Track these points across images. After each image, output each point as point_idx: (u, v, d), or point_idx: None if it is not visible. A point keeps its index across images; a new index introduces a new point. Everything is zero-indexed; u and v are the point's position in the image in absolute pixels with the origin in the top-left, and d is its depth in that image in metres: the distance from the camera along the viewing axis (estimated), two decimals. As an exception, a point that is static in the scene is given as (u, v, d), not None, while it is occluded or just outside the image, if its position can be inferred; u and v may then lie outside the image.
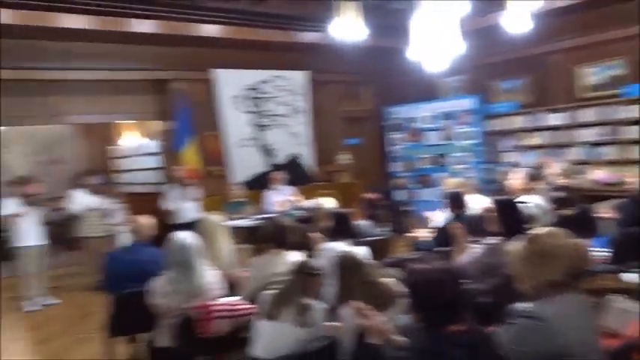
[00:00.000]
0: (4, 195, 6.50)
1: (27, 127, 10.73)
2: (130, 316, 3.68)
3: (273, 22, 7.88)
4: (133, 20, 6.65)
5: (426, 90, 9.23)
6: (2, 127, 10.24)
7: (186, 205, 6.90)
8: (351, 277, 2.62)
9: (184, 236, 3.17)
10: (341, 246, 3.40)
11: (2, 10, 5.79)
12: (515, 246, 2.08)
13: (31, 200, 6.21)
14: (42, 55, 6.71)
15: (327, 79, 9.24)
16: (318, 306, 2.55)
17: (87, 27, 6.34)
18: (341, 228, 3.59)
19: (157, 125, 8.50)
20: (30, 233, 6.16)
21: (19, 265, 6.17)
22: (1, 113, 6.78)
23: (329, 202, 4.63)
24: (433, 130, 9.10)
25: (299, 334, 2.46)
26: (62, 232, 7.97)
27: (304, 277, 2.58)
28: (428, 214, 5.12)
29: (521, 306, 2.00)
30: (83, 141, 11.67)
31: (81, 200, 6.73)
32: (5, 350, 4.99)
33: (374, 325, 1.95)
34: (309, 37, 8.19)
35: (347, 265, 2.65)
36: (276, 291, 2.65)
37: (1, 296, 6.81)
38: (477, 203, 4.60)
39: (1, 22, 5.81)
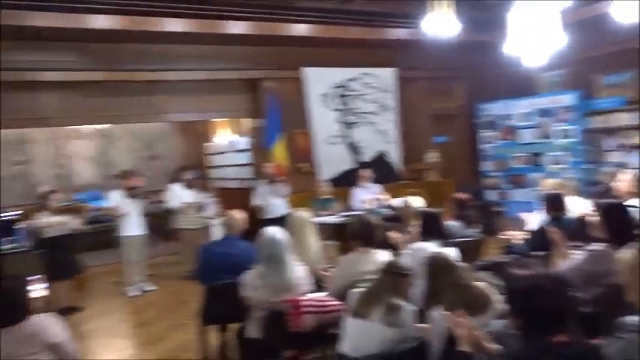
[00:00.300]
0: (110, 188, 7.04)
1: (130, 125, 11.55)
2: (221, 306, 3.82)
3: (363, 19, 7.87)
4: (228, 22, 6.90)
5: (521, 85, 8.79)
6: (108, 125, 11.12)
7: (274, 201, 7.06)
8: (442, 279, 2.54)
9: (275, 231, 3.24)
10: (430, 246, 3.32)
11: (109, 16, 6.24)
12: (625, 254, 1.92)
13: (133, 193, 6.64)
14: (145, 57, 7.15)
15: (415, 76, 9.08)
16: (407, 307, 2.51)
17: (186, 30, 6.67)
18: (431, 228, 3.51)
19: (249, 123, 8.77)
20: (132, 224, 6.59)
21: (122, 252, 6.62)
22: (108, 112, 7.32)
23: (417, 201, 4.55)
24: (528, 127, 8.66)
25: (387, 334, 2.43)
26: (160, 223, 8.48)
27: (394, 277, 2.54)
28: (523, 215, 4.88)
29: (630, 319, 1.84)
30: (180, 138, 12.34)
31: (178, 194, 7.09)
32: (111, 330, 5.38)
33: (465, 333, 1.86)
34: (398, 33, 8.08)
35: (437, 266, 2.58)
36: (365, 289, 2.64)
37: (107, 280, 7.40)
38: (577, 206, 4.33)
39: (109, 28, 6.26)
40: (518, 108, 8.76)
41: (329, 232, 5.68)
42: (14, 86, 6.66)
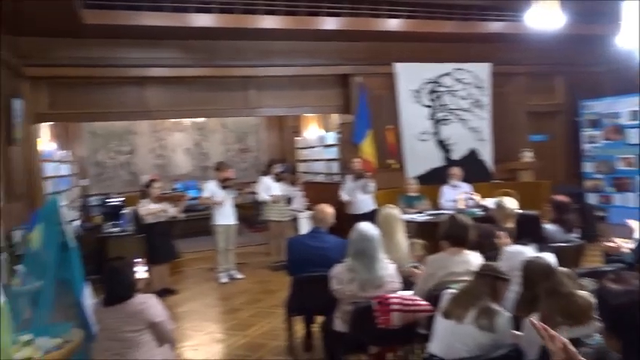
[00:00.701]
0: (205, 178, 7.41)
1: (224, 119, 12.05)
2: (308, 298, 3.89)
3: (457, 13, 7.64)
4: (322, 18, 6.98)
5: (631, 82, 8.14)
6: (204, 118, 11.67)
7: (361, 197, 7.08)
8: (540, 286, 2.41)
9: (368, 228, 3.24)
10: (527, 250, 3.17)
11: (210, 15, 6.52)
12: None
13: (226, 184, 6.91)
14: (241, 53, 7.39)
15: (511, 71, 8.68)
16: (503, 312, 2.41)
17: (281, 27, 6.83)
18: (528, 231, 3.34)
19: (338, 118, 8.83)
20: (225, 213, 6.87)
21: (215, 240, 6.92)
22: (205, 106, 7.66)
23: (510, 202, 4.35)
24: (637, 127, 8.01)
25: (481, 338, 2.35)
26: (250, 214, 8.78)
27: (491, 280, 2.45)
28: (630, 222, 4.52)
29: None
30: (270, 132, 12.69)
31: (267, 186, 7.29)
32: (202, 314, 5.65)
33: (559, 347, 1.71)
34: (494, 27, 7.78)
35: (536, 271, 2.45)
36: (459, 291, 2.57)
37: (200, 267, 7.79)
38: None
39: (209, 26, 6.54)
40: (626, 106, 8.12)
41: (416, 230, 5.61)
42: (123, 82, 7.17)
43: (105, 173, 11.46)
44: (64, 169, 9.02)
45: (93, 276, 6.26)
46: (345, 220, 6.17)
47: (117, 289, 3.06)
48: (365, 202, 7.05)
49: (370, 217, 6.48)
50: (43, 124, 7.31)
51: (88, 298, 3.75)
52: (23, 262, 3.71)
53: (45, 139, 7.99)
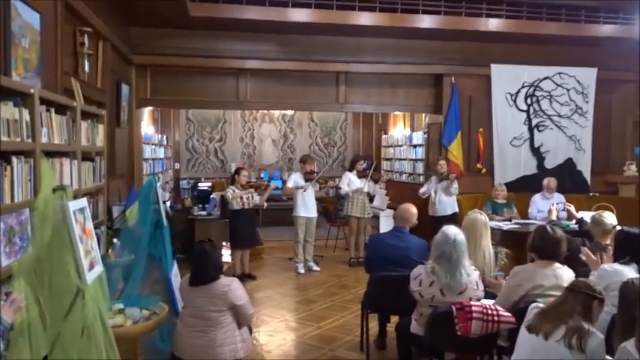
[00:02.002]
0: (289, 170, 7.57)
1: (311, 113, 12.24)
2: (386, 296, 3.85)
3: (563, 14, 7.22)
4: (418, 16, 6.86)
5: None
6: (292, 111, 11.91)
7: (444, 199, 6.93)
8: (639, 310, 2.22)
9: (454, 231, 3.15)
10: (626, 270, 2.94)
11: (306, 9, 6.61)
12: None
13: (310, 177, 7.00)
14: (334, 49, 7.44)
15: (618, 78, 8.08)
16: (597, 333, 2.25)
17: (376, 23, 6.79)
18: (628, 249, 3.10)
19: (426, 118, 8.66)
20: (306, 206, 6.97)
21: (295, 231, 7.04)
22: (295, 99, 7.80)
23: (610, 217, 4.05)
24: None
25: (568, 358, 2.21)
26: (332, 208, 8.85)
27: (585, 298, 2.29)
28: None
29: None
30: (357, 128, 12.71)
31: (351, 182, 7.30)
32: (278, 303, 5.77)
33: None
34: (602, 30, 7.26)
35: (636, 294, 2.26)
36: (548, 306, 2.43)
37: (279, 256, 7.97)
38: None
39: (305, 21, 6.64)
40: None
41: (501, 238, 5.40)
42: (221, 72, 7.47)
43: (196, 159, 12.04)
44: (161, 152, 9.60)
45: (180, 255, 6.64)
46: (426, 221, 6.07)
47: (205, 270, 3.18)
48: (447, 204, 6.92)
49: (451, 220, 6.40)
50: (144, 108, 7.77)
51: (176, 275, 3.94)
52: (120, 236, 3.95)
53: (145, 123, 8.51)
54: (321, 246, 8.29)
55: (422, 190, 7.22)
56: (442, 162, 7.16)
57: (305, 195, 6.93)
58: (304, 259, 7.10)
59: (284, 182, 9.98)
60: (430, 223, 6.33)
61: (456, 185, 6.87)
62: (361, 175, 7.37)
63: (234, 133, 12.25)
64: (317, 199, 7.29)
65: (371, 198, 7.89)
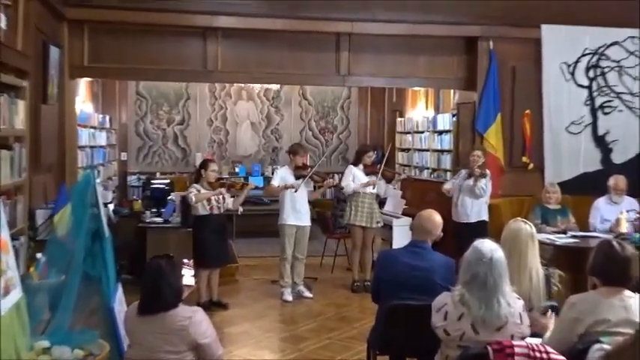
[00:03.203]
0: (274, 163, 7.57)
1: (304, 88, 12.27)
2: (400, 333, 3.84)
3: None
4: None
5: None
6: (278, 86, 11.91)
7: (468, 201, 6.97)
8: None
9: (490, 247, 3.14)
10: None
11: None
12: None
13: (300, 173, 6.99)
14: (334, 3, 7.43)
15: None
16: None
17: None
18: None
19: (456, 96, 8.67)
20: (296, 211, 6.95)
21: (281, 245, 7.03)
22: (281, 69, 7.78)
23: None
24: None
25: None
26: (330, 215, 8.85)
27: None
28: None
29: None
30: (364, 108, 12.74)
31: (356, 180, 7.29)
32: (257, 341, 5.75)
33: None
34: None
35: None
36: (615, 347, 2.44)
37: (259, 277, 7.97)
38: None
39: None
40: None
41: (554, 255, 5.41)
42: (183, 32, 7.43)
43: (150, 147, 12.05)
44: (102, 138, 9.59)
45: (127, 275, 6.60)
46: (448, 229, 6.07)
47: (158, 295, 3.16)
48: (471, 208, 7.00)
49: (477, 230, 6.47)
50: (80, 79, 7.74)
51: (121, 303, 3.92)
52: (46, 250, 3.91)
53: (81, 100, 8.47)
54: (315, 265, 8.30)
55: (446, 186, 7.27)
56: (478, 153, 7.16)
57: (295, 197, 6.93)
58: (292, 283, 7.10)
59: (267, 180, 9.98)
60: (451, 231, 6.39)
61: (483, 184, 6.88)
62: (369, 171, 7.37)
63: (201, 114, 12.25)
64: (310, 202, 7.28)
65: (381, 201, 7.88)
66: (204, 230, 6.44)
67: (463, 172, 7.24)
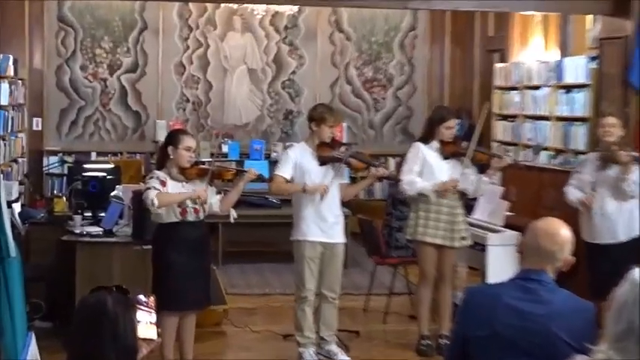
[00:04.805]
0: (288, 139, 7.39)
1: (337, 11, 12.27)
2: None
3: None
4: None
5: None
6: (295, 8, 11.92)
7: (614, 208, 6.99)
8: None
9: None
10: None
11: None
12: None
13: (329, 156, 6.99)
14: None
15: None
16: None
17: None
18: None
19: (597, 27, 8.65)
20: (322, 218, 6.96)
21: (295, 272, 7.07)
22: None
23: None
24: None
25: None
26: (378, 225, 8.86)
27: None
28: None
29: None
30: (439, 49, 12.71)
31: (424, 166, 7.29)
32: None
33: None
34: None
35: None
36: None
37: (260, 324, 8.04)
38: None
39: None
40: None
41: None
42: None
43: (81, 110, 12.15)
44: (2, 95, 9.66)
45: (45, 323, 6.64)
46: (581, 253, 6.07)
47: (97, 353, 3.21)
48: (620, 218, 6.99)
49: (632, 251, 6.46)
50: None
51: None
52: None
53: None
54: (357, 309, 8.39)
55: (572, 195, 7.20)
56: (611, 120, 7.15)
57: (315, 196, 6.96)
58: (318, 339, 7.17)
59: (273, 164, 9.99)
60: (586, 256, 6.37)
61: (636, 177, 6.85)
62: (450, 152, 7.35)
63: (165, 55, 12.33)
64: (346, 204, 7.30)
65: (468, 204, 7.87)
66: (171, 248, 6.48)
67: (589, 157, 7.27)
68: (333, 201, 7.03)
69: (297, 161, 7.05)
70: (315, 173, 6.98)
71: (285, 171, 7.07)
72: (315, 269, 7.02)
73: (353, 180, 7.45)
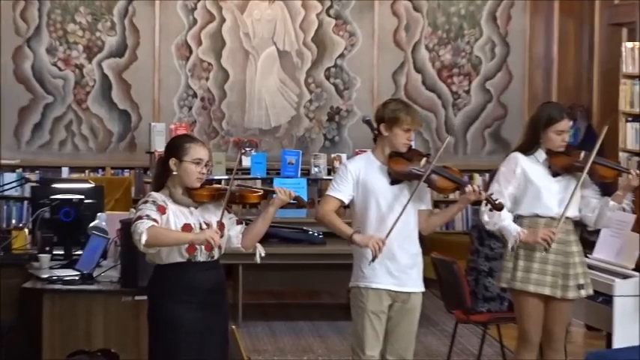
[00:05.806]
0: (334, 149, 7.47)
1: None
2: None
3: None
4: None
5: None
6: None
7: None
8: None
9: None
10: None
11: None
12: None
13: (401, 169, 7.02)
14: None
15: None
16: None
17: None
18: None
19: None
20: (386, 258, 6.99)
21: (356, 337, 7.08)
22: None
23: None
24: None
25: None
26: (460, 268, 8.88)
27: None
28: None
29: None
30: (542, 20, 12.73)
31: (529, 187, 7.29)
32: None
33: None
34: None
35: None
36: None
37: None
38: None
39: None
40: None
41: None
42: None
43: (48, 108, 12.24)
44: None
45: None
46: None
47: None
48: None
49: None
50: None
51: None
52: None
53: None
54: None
55: None
56: None
57: (387, 224, 6.95)
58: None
59: (313, 184, 10.03)
60: None
61: None
62: (561, 165, 7.36)
63: (164, 32, 12.41)
64: (423, 239, 7.30)
65: (587, 239, 7.84)
66: (175, 300, 6.51)
67: None
68: (409, 234, 7.00)
69: (360, 178, 7.00)
70: (385, 195, 6.93)
71: (342, 191, 7.03)
72: (380, 329, 6.99)
73: (435, 205, 7.38)
